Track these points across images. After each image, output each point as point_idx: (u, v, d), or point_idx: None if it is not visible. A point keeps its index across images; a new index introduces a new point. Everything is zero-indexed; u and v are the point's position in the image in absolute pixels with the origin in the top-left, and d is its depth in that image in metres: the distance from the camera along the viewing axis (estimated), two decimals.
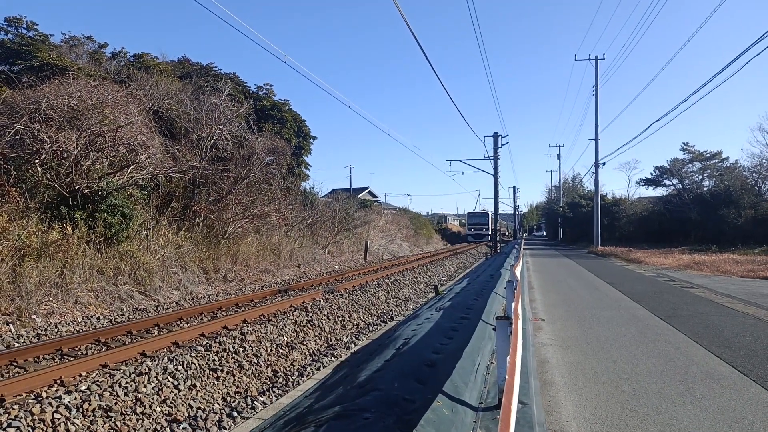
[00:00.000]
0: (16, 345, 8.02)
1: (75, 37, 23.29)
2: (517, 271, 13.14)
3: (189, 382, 6.74)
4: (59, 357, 7.45)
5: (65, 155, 12.45)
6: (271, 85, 32.68)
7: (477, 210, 77.26)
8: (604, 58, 39.02)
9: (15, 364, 6.90)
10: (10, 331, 8.76)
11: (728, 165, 42.49)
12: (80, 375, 6.43)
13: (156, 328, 9.44)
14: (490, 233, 61.73)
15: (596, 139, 38.73)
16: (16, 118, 12.23)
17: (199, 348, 7.72)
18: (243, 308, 11.66)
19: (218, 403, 6.71)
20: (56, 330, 9.22)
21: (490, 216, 62.90)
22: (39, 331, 8.99)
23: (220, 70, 28.55)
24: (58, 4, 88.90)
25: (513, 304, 5.94)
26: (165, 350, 7.76)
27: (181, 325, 9.75)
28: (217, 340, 8.20)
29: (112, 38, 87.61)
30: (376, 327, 10.56)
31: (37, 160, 12.10)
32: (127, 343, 8.25)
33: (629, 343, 7.62)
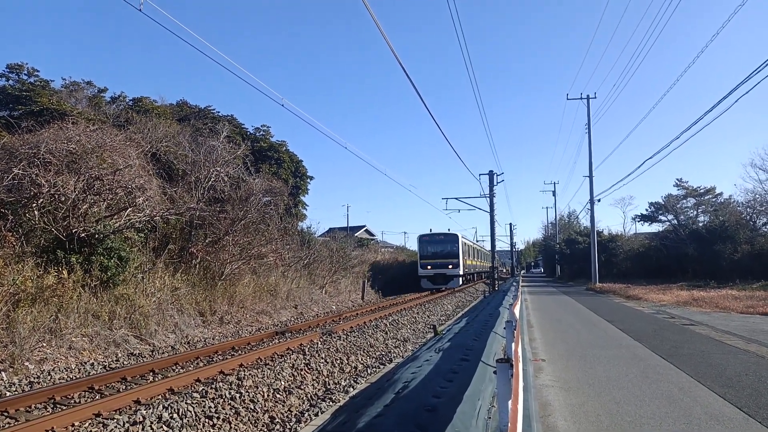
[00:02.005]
0: (8, 394, 7.86)
1: (75, 82, 23.67)
2: (516, 310, 13.06)
3: (184, 431, 6.58)
4: (52, 406, 7.29)
5: (63, 199, 12.47)
6: (268, 126, 33.09)
7: (438, 231, 42.00)
8: (595, 97, 39.78)
9: (6, 414, 6.75)
10: (2, 379, 8.59)
11: (722, 200, 42.90)
12: (73, 425, 6.28)
13: (151, 373, 9.28)
14: (461, 273, 39.68)
15: (591, 177, 39.11)
16: (15, 162, 12.28)
17: (194, 394, 7.57)
18: (239, 352, 11.50)
19: None
20: (49, 377, 9.06)
21: (461, 243, 40.13)
22: (32, 379, 8.83)
23: (218, 112, 28.99)
24: (59, 51, 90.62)
25: (513, 345, 5.89)
26: (160, 397, 7.61)
27: (177, 370, 9.59)
28: (214, 386, 8.05)
29: (112, 83, 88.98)
30: (374, 369, 10.41)
31: (34, 204, 12.10)
32: (121, 390, 8.10)
33: (632, 384, 7.52)
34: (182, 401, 7.21)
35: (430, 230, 41.61)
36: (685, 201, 45.08)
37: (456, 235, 40.12)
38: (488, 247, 45.15)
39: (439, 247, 39.75)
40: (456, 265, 38.84)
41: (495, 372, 4.62)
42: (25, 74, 20.83)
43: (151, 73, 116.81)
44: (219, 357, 10.86)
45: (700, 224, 41.46)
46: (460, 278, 40.14)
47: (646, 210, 48.57)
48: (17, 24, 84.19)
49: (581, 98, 40.09)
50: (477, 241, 66.89)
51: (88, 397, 7.77)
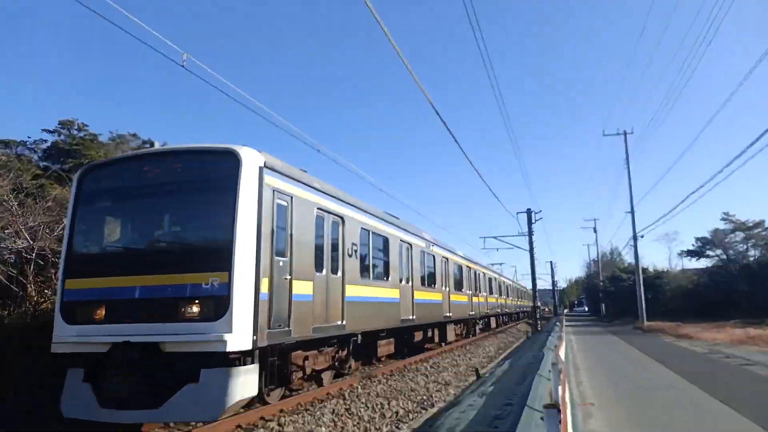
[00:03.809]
0: None
1: (121, 135, 24.84)
2: (561, 352, 12.68)
3: None
4: None
5: None
6: (304, 170, 33.64)
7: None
8: (632, 132, 39.12)
9: None
10: None
11: None
12: None
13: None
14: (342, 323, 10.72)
15: (632, 212, 38.20)
16: (66, 214, 12.87)
17: None
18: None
19: None
20: None
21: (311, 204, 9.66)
22: None
23: None
24: (107, 107, 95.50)
25: (560, 389, 5.70)
26: None
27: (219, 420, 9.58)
28: None
29: (156, 134, 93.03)
30: (416, 414, 10.18)
31: None
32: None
33: (688, 431, 7.14)
34: None
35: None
36: (733, 235, 43.44)
37: (235, 155, 7.55)
38: (519, 284, 41.32)
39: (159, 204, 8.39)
40: (227, 291, 6.85)
41: (542, 418, 4.47)
42: (75, 129, 22.03)
43: (195, 124, 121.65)
44: (259, 403, 10.82)
45: (751, 259, 39.82)
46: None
47: (693, 245, 47.05)
48: (67, 80, 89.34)
49: (618, 134, 39.59)
50: (516, 280, 61.79)
51: None
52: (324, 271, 10.01)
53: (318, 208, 9.92)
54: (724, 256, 42.45)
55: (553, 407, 4.14)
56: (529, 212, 34.32)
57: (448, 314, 20.45)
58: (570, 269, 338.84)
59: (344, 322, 10.74)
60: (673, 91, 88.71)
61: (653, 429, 7.29)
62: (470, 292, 25.65)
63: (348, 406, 10.06)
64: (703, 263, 47.28)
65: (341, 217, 11.08)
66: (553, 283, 79.46)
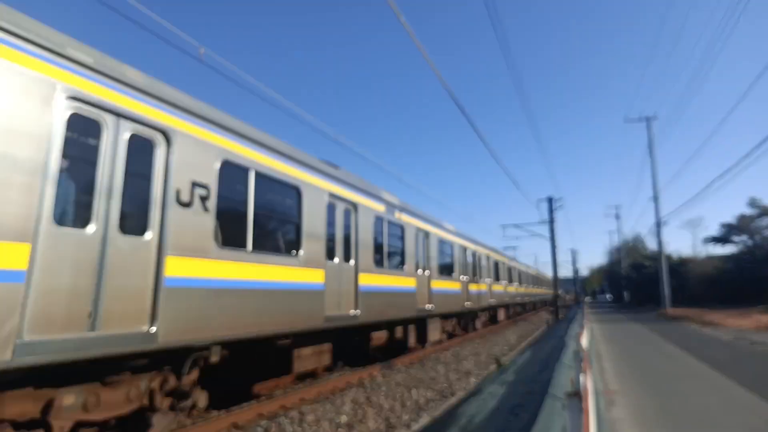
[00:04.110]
0: None
1: None
2: (583, 340, 12.55)
3: None
4: None
5: None
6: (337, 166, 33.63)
7: None
8: (656, 118, 38.39)
9: None
10: None
11: None
12: None
13: (215, 409, 9.41)
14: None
15: (656, 198, 37.57)
16: None
17: (258, 429, 7.63)
18: (299, 385, 11.52)
19: None
20: None
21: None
22: None
23: None
24: None
25: (582, 377, 5.62)
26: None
27: (240, 405, 9.69)
28: (276, 420, 8.08)
29: None
30: (437, 403, 10.18)
31: None
32: (187, 425, 8.24)
33: (713, 419, 7.01)
34: None
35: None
36: (760, 221, 42.50)
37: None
38: (539, 272, 40.18)
39: None
40: None
41: (563, 406, 4.40)
42: None
43: None
44: (279, 391, 10.91)
45: None
46: None
47: (718, 231, 46.15)
48: None
49: (640, 120, 38.89)
50: (537, 268, 60.53)
51: None
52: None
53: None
54: (751, 242, 41.57)
55: (575, 395, 4.08)
56: (550, 199, 33.96)
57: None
58: (593, 257, 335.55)
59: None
60: (698, 73, 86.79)
61: (677, 417, 7.17)
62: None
63: (368, 395, 10.10)
64: (728, 249, 46.43)
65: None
66: (575, 271, 78.73)
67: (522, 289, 38.42)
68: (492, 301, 25.46)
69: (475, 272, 22.83)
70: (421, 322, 16.27)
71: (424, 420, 8.66)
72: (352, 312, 10.94)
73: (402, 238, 14.32)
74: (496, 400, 6.80)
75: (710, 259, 50.25)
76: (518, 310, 38.43)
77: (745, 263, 38.45)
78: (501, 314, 30.83)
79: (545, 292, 56.40)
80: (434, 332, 16.97)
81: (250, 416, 8.45)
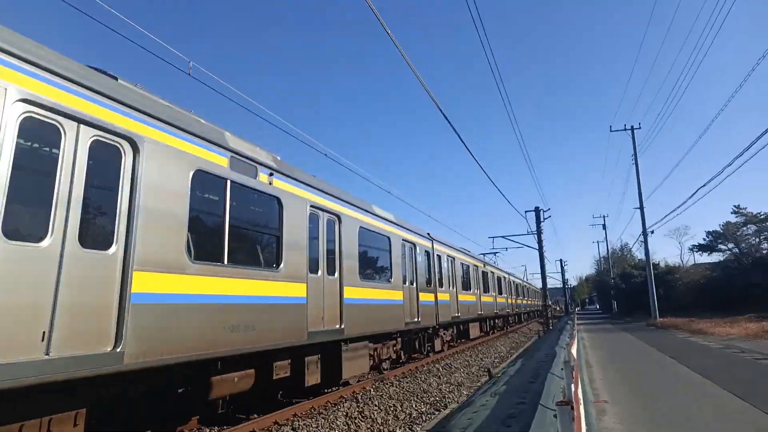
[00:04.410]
0: None
1: None
2: (573, 350, 12.64)
3: None
4: None
5: None
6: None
7: None
8: (640, 127, 38.93)
9: None
10: None
11: None
12: None
13: (206, 427, 9.34)
14: None
15: (641, 208, 37.99)
16: None
17: None
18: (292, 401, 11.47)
19: None
20: None
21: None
22: None
23: None
24: None
25: (573, 387, 5.68)
26: None
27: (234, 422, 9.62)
28: None
29: None
30: (429, 416, 10.18)
31: None
32: None
33: (706, 427, 7.08)
34: None
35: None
36: (745, 228, 43.07)
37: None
38: (529, 283, 39.87)
39: None
40: None
41: (555, 415, 4.45)
42: None
43: None
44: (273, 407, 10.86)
45: (764, 252, 39.44)
46: None
47: (704, 239, 46.73)
48: None
49: (625, 129, 39.43)
50: (526, 279, 60.83)
51: None
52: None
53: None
54: (737, 250, 42.09)
55: (566, 404, 4.13)
56: (537, 210, 34.24)
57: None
58: (581, 267, 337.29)
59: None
60: (680, 83, 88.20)
61: (668, 426, 7.24)
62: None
63: (361, 409, 10.08)
64: (715, 257, 46.96)
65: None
66: (564, 281, 79.03)
67: (512, 300, 38.30)
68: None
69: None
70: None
71: None
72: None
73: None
74: (489, 411, 6.83)
75: (697, 267, 50.77)
76: (509, 320, 38.38)
77: (732, 271, 38.90)
78: (500, 321, 30.75)
79: (535, 302, 56.57)
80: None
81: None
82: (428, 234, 17.86)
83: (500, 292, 31.67)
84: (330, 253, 10.90)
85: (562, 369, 7.79)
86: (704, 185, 28.00)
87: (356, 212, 12.26)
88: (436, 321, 17.30)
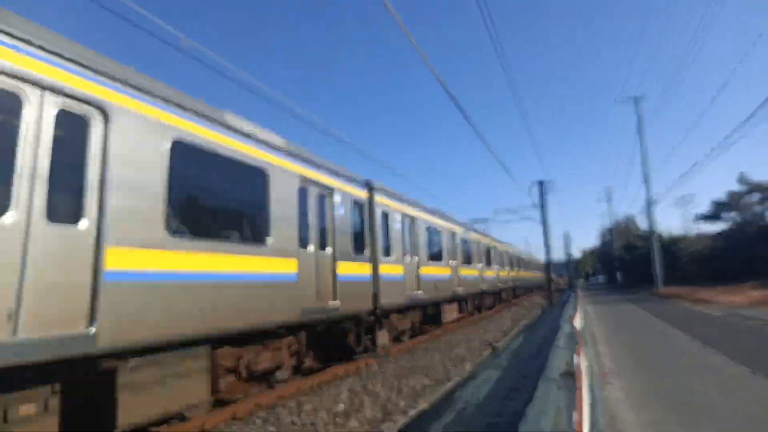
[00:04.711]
0: None
1: None
2: (577, 322, 12.64)
3: None
4: None
5: None
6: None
7: None
8: (645, 97, 38.69)
9: None
10: None
11: None
12: None
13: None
14: None
15: (646, 178, 37.79)
16: None
17: (256, 420, 7.65)
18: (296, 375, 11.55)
19: None
20: None
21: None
22: None
23: None
24: None
25: (576, 358, 5.67)
26: (223, 424, 7.71)
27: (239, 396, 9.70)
28: (274, 411, 8.11)
29: None
30: (432, 390, 10.24)
31: None
32: (187, 417, 8.24)
33: (708, 398, 7.07)
34: (245, 427, 7.31)
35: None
36: (749, 197, 42.80)
37: None
38: (533, 256, 39.52)
39: None
40: None
41: (558, 387, 4.44)
42: None
43: None
44: (277, 382, 10.93)
45: None
46: None
47: (709, 209, 46.50)
48: None
49: (629, 99, 39.07)
50: (530, 253, 60.37)
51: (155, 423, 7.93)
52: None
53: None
54: (740, 219, 41.91)
55: (569, 375, 4.11)
56: (541, 183, 34.06)
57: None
58: (585, 239, 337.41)
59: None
60: (688, 52, 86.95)
61: (671, 395, 7.24)
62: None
63: (364, 384, 10.14)
64: (719, 227, 46.80)
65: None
66: (568, 255, 79.23)
67: (514, 273, 37.66)
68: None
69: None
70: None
71: (421, 406, 8.71)
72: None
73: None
74: (492, 385, 6.85)
75: (701, 237, 50.64)
76: (511, 294, 38.27)
77: (736, 240, 38.78)
78: (490, 300, 30.24)
79: (538, 276, 56.62)
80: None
81: (249, 407, 8.48)
82: (366, 181, 13.00)
83: (489, 264, 28.48)
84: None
85: (565, 341, 7.78)
86: (708, 154, 27.72)
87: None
88: (373, 304, 12.53)
